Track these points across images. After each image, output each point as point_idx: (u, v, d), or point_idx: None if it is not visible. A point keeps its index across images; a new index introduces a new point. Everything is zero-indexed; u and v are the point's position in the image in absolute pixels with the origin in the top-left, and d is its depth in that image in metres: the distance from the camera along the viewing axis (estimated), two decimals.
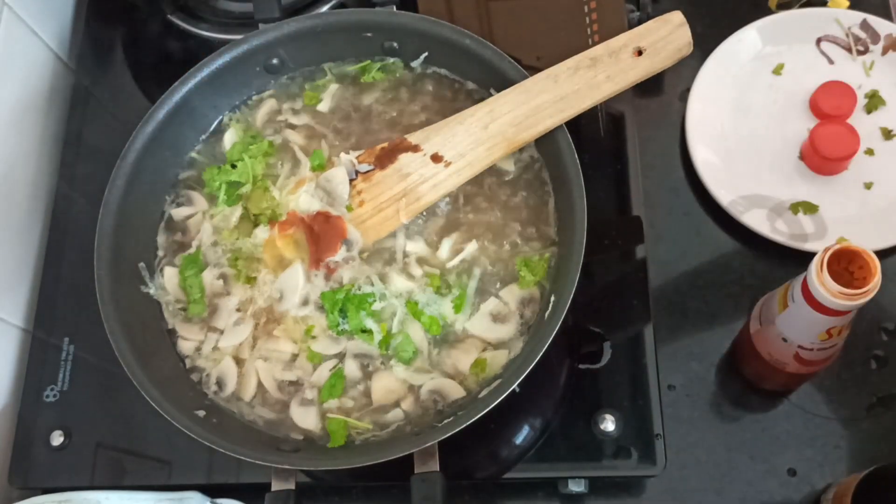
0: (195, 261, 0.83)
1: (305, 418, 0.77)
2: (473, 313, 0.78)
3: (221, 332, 0.80)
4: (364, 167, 0.82)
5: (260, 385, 0.78)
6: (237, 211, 0.84)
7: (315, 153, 0.85)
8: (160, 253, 0.85)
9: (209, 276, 0.82)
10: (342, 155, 0.83)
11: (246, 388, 0.78)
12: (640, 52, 0.75)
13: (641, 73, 0.75)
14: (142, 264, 0.83)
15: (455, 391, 0.76)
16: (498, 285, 0.79)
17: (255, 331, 0.80)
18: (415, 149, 0.81)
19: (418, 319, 0.78)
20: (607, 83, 0.75)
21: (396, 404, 0.76)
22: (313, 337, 0.79)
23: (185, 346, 0.81)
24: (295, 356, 0.79)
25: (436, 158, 0.80)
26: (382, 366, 0.78)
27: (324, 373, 0.78)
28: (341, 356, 0.78)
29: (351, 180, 0.82)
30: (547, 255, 0.79)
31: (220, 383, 0.79)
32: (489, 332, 0.77)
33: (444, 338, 0.78)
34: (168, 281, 0.83)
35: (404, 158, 0.81)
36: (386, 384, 0.77)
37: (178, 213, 0.86)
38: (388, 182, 0.81)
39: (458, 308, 0.78)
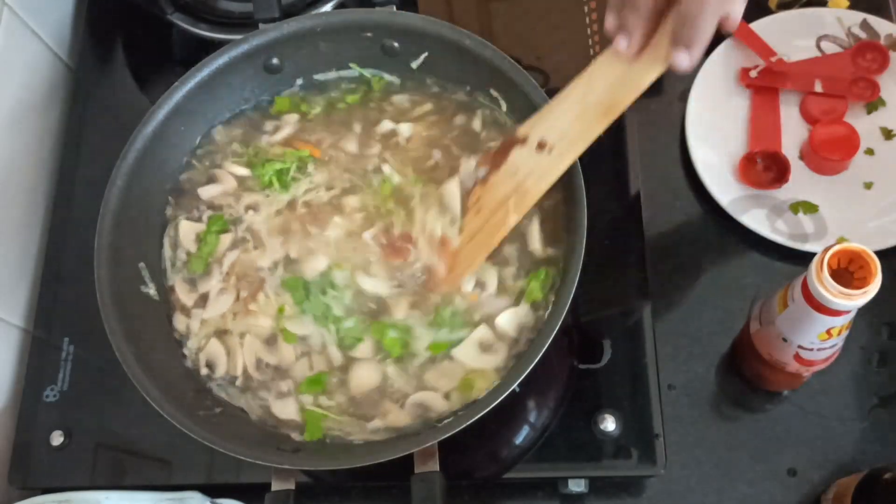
0: (219, 221, 0.84)
1: (284, 409, 0.77)
2: (457, 344, 0.77)
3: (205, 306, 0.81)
4: (482, 172, 0.80)
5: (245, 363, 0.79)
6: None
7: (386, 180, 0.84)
8: (168, 211, 0.86)
9: (227, 239, 0.83)
10: (463, 160, 0.82)
11: (235, 365, 0.79)
12: None
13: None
14: (142, 264, 0.83)
15: (439, 404, 0.75)
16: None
17: (235, 303, 0.81)
18: (522, 142, 0.77)
19: (381, 338, 0.77)
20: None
21: (381, 415, 0.76)
22: (287, 317, 0.79)
23: (180, 324, 0.81)
24: (274, 337, 0.79)
25: (540, 146, 0.76)
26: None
27: (303, 368, 0.78)
28: (321, 345, 0.79)
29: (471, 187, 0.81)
30: (545, 270, 0.78)
31: (210, 365, 0.79)
32: (475, 360, 0.76)
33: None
34: (184, 235, 0.84)
35: (514, 155, 0.77)
36: (364, 375, 0.77)
37: (207, 191, 0.86)
38: (501, 184, 0.78)
39: (435, 349, 0.77)
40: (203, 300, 0.82)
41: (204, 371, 0.80)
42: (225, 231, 0.84)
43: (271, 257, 0.82)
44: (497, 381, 0.75)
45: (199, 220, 0.85)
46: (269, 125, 0.89)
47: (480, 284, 0.78)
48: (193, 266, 0.83)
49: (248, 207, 0.85)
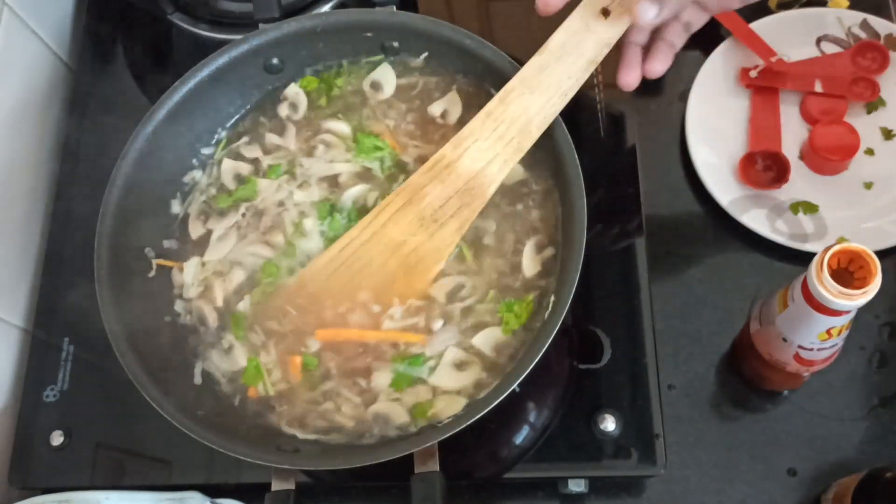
0: (278, 169, 0.85)
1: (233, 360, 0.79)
2: (435, 367, 0.76)
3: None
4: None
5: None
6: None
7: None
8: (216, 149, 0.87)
9: (273, 185, 0.84)
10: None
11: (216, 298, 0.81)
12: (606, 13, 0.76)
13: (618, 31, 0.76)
14: (147, 249, 0.83)
15: (399, 416, 0.75)
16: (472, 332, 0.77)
17: (242, 241, 0.83)
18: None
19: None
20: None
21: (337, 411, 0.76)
22: (302, 234, 0.82)
23: (178, 276, 0.83)
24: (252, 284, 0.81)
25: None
26: None
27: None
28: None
29: None
30: (531, 297, 0.77)
31: (202, 320, 0.81)
32: (454, 381, 0.75)
33: None
34: (224, 172, 0.86)
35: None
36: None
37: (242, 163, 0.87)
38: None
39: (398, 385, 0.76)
40: (204, 241, 0.84)
41: (201, 329, 0.80)
42: (281, 176, 0.85)
43: (311, 197, 0.83)
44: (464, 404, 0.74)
45: (251, 161, 0.87)
46: (282, 108, 0.89)
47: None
48: (219, 202, 0.85)
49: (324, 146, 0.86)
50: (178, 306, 0.82)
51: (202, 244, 0.84)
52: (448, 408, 0.74)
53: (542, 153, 0.80)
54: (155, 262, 0.83)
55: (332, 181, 0.85)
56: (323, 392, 0.77)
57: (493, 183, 0.76)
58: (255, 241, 0.83)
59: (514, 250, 0.79)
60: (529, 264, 0.78)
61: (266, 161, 0.87)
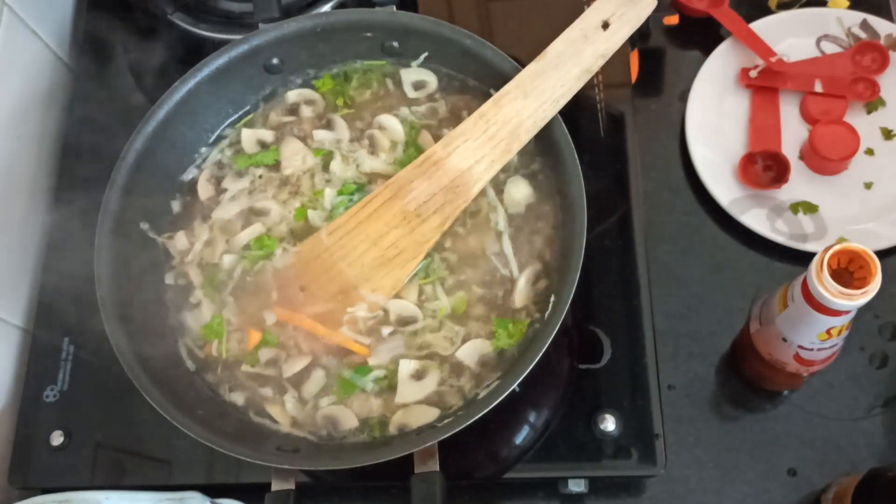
0: (320, 152, 0.86)
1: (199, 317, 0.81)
2: (392, 384, 0.76)
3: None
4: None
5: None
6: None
7: None
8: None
9: (298, 150, 0.85)
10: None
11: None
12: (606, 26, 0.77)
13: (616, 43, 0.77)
14: (145, 225, 0.84)
15: (349, 421, 0.75)
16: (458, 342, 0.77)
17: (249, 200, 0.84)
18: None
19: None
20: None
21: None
22: (320, 201, 0.83)
23: (178, 244, 0.84)
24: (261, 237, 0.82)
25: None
26: None
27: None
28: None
29: None
30: (527, 322, 0.77)
31: (190, 285, 0.82)
32: (417, 393, 0.75)
33: None
34: (246, 139, 0.87)
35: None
36: None
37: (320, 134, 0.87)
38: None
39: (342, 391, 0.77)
40: (207, 205, 0.85)
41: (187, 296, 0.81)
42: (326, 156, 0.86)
43: (345, 173, 0.84)
44: (436, 415, 0.75)
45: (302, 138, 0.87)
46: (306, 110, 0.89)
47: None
48: (238, 162, 0.86)
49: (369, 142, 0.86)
50: (169, 278, 0.83)
51: (206, 209, 0.85)
52: (420, 417, 0.75)
53: (546, 170, 0.81)
54: (159, 238, 0.84)
55: (371, 175, 0.85)
56: (262, 376, 0.78)
57: (479, 182, 0.77)
58: (267, 199, 0.84)
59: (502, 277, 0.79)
60: (521, 295, 0.78)
61: (313, 145, 0.87)
